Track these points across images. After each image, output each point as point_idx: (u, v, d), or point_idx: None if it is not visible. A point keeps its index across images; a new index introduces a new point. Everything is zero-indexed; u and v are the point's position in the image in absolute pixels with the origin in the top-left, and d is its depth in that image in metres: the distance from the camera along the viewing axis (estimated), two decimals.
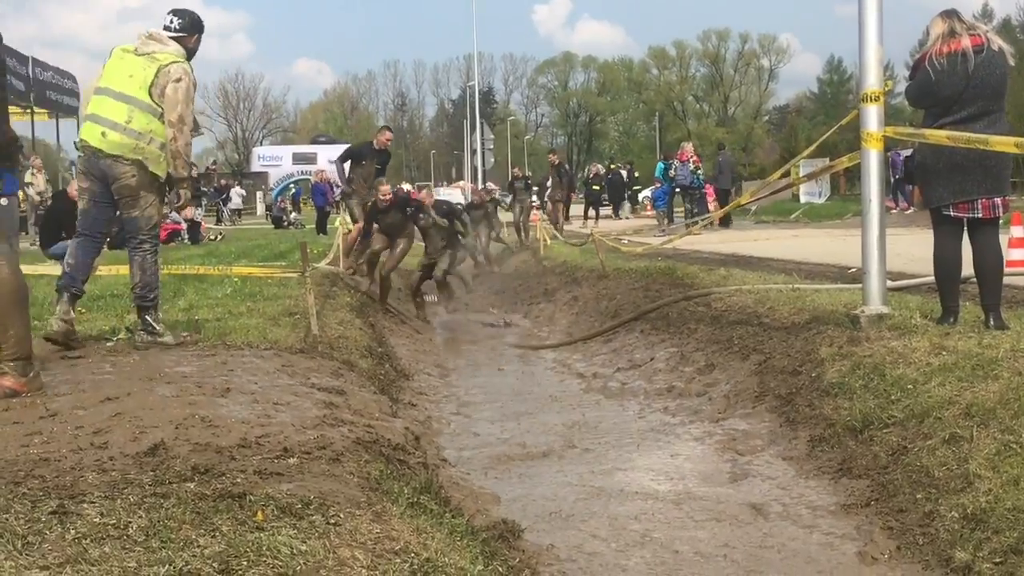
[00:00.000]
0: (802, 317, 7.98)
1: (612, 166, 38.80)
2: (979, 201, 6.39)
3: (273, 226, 34.68)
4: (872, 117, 6.87)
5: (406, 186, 27.51)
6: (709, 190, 27.89)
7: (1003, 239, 6.96)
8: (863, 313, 6.92)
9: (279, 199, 44.80)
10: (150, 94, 6.92)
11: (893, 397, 5.59)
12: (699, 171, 25.49)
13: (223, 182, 44.13)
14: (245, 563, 2.97)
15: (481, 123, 42.36)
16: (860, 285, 7.31)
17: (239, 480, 3.77)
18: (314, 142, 69.94)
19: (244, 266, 12.44)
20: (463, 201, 26.42)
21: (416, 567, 3.23)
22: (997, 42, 6.44)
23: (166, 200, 7.40)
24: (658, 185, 29.22)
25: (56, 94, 31.92)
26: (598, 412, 7.96)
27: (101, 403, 5.18)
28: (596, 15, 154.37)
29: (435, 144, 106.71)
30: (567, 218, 28.55)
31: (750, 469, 5.91)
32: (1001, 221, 6.67)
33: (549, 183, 26.76)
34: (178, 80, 6.92)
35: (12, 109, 22.56)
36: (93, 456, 4.12)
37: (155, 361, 6.56)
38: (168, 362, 6.52)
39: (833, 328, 7.16)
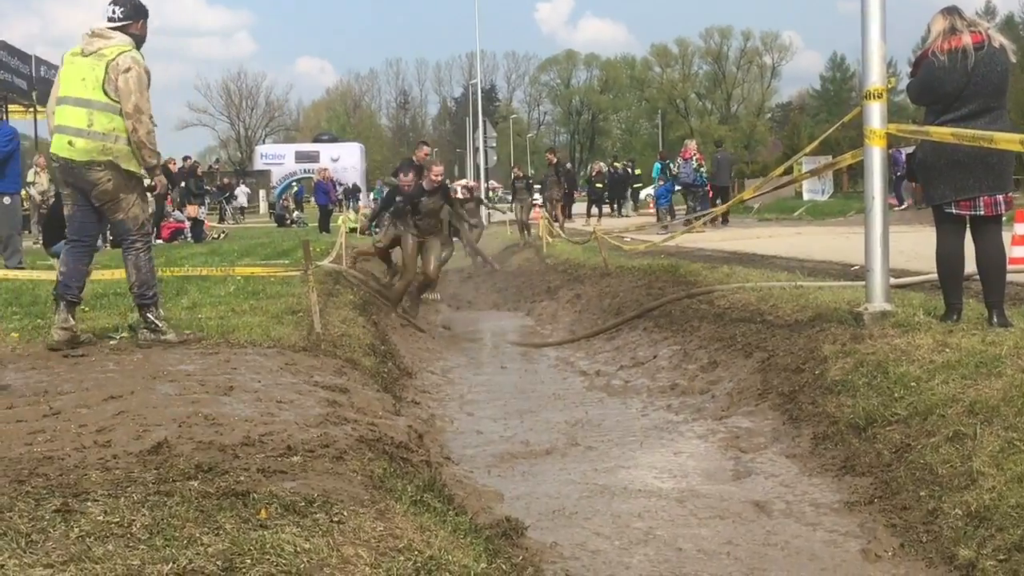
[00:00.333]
0: (805, 315, 7.97)
1: (615, 164, 38.81)
2: (981, 198, 6.38)
3: (276, 224, 34.68)
4: (875, 114, 6.86)
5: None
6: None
7: (1007, 236, 6.95)
8: (866, 310, 6.92)
9: (282, 197, 44.83)
10: (105, 92, 6.84)
11: (896, 394, 5.59)
12: (702, 168, 25.48)
13: (226, 180, 44.11)
14: (249, 561, 2.97)
15: (484, 121, 42.26)
16: (863, 282, 7.31)
17: (242, 478, 3.78)
18: (316, 140, 69.96)
19: (247, 265, 12.46)
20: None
21: (419, 565, 3.23)
22: (998, 39, 6.43)
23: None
24: (661, 183, 29.23)
25: None
26: (601, 410, 7.96)
27: (104, 401, 5.19)
28: (598, 13, 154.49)
29: (438, 142, 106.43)
30: (568, 216, 28.55)
31: (753, 467, 5.90)
32: (1004, 219, 6.66)
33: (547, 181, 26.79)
34: (127, 70, 6.82)
35: (15, 108, 22.58)
36: (97, 454, 4.12)
37: (158, 359, 6.57)
38: (171, 360, 6.53)
39: (836, 326, 7.15)
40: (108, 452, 4.16)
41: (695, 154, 25.58)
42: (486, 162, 40.99)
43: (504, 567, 3.78)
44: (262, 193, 55.75)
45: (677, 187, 26.93)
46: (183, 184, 26.89)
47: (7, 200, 12.81)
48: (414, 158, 14.80)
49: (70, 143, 6.86)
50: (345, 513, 3.51)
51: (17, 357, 6.79)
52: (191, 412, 4.92)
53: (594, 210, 31.86)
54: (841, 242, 15.96)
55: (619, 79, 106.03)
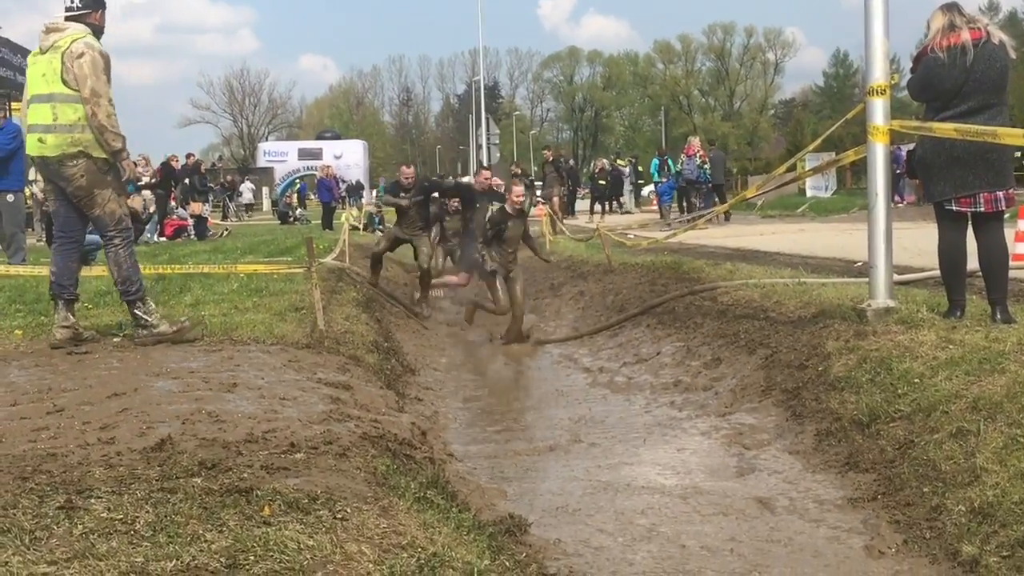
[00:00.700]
0: (808, 311, 7.97)
1: (618, 161, 38.78)
2: (981, 195, 6.37)
3: (279, 222, 34.69)
4: (878, 111, 6.86)
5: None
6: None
7: (1010, 233, 6.94)
8: (870, 307, 6.91)
9: (285, 194, 44.84)
10: (65, 83, 6.78)
11: (900, 391, 5.59)
12: (706, 165, 25.46)
13: (229, 178, 44.10)
14: (252, 558, 2.97)
15: (487, 118, 42.31)
16: (866, 279, 7.30)
17: (246, 475, 3.78)
18: (319, 137, 69.92)
19: (250, 262, 12.46)
20: None
21: (423, 561, 3.23)
22: (998, 35, 6.42)
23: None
24: (664, 180, 29.25)
25: None
26: (604, 407, 7.96)
27: (108, 398, 5.20)
28: (601, 9, 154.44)
29: (441, 139, 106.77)
30: (568, 213, 28.50)
31: (757, 463, 5.90)
32: (1007, 215, 6.65)
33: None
34: (80, 55, 6.75)
35: (16, 105, 22.58)
36: (100, 451, 4.13)
37: (161, 356, 6.58)
38: (174, 357, 6.54)
39: (839, 322, 7.15)
40: (112, 449, 4.17)
41: (699, 151, 25.55)
42: (489, 159, 40.97)
43: (507, 564, 3.78)
44: (265, 190, 55.74)
45: (681, 183, 26.90)
46: (187, 181, 26.88)
47: (10, 197, 12.80)
48: (475, 184, 14.57)
49: (40, 140, 6.84)
50: (348, 510, 3.51)
51: (21, 354, 6.80)
52: (194, 409, 4.92)
53: (597, 207, 31.82)
54: (844, 239, 15.95)
55: (622, 76, 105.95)
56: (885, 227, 6.87)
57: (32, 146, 6.92)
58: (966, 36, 6.27)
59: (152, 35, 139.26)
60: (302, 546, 3.10)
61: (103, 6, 7.19)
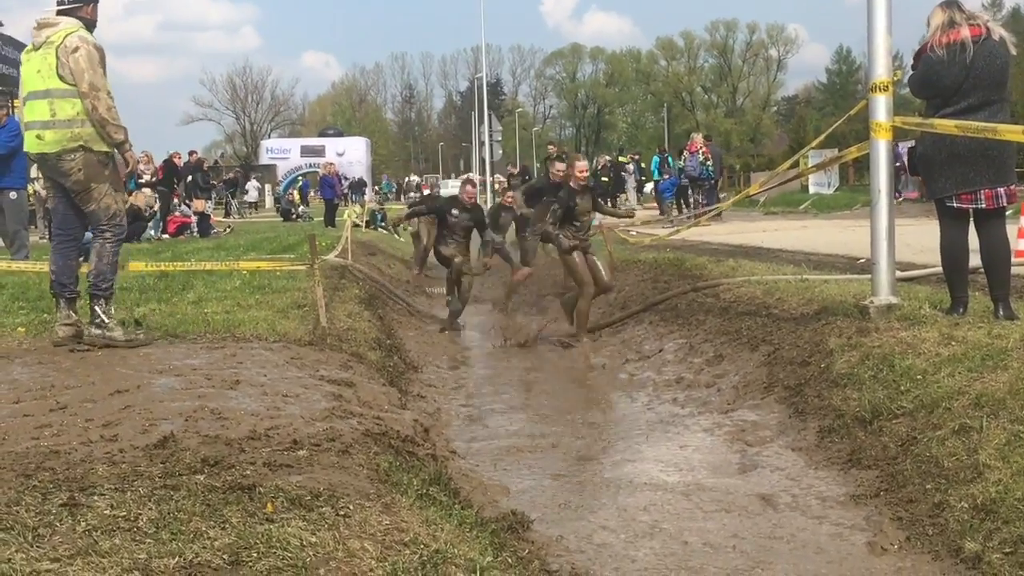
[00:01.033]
0: (811, 308, 7.96)
1: (620, 159, 38.74)
2: (982, 191, 6.37)
3: (282, 219, 34.70)
4: (881, 107, 6.85)
5: (414, 178, 27.50)
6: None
7: (1012, 229, 6.93)
8: (872, 304, 6.91)
9: (288, 192, 44.86)
10: (61, 78, 6.74)
11: (902, 387, 5.58)
12: (708, 162, 25.42)
13: (231, 175, 44.14)
14: (255, 555, 2.98)
15: (489, 115, 42.27)
16: (869, 276, 7.30)
17: (249, 472, 3.78)
18: (322, 135, 70.00)
19: (253, 259, 12.46)
20: None
21: (425, 558, 3.23)
22: (998, 31, 6.41)
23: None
24: (667, 177, 29.24)
25: None
26: (607, 403, 7.97)
27: (111, 396, 5.20)
28: (603, 6, 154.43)
29: (443, 136, 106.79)
30: None
31: (759, 460, 5.90)
32: (1009, 212, 6.65)
33: None
34: (75, 50, 6.70)
35: (18, 102, 22.60)
36: (103, 448, 4.13)
37: (164, 354, 6.59)
38: (177, 355, 6.55)
39: (842, 319, 7.14)
40: (114, 446, 4.17)
41: (701, 147, 25.51)
42: (491, 156, 41.00)
43: (510, 560, 3.79)
44: (267, 188, 55.78)
45: (683, 181, 26.87)
46: (189, 179, 26.88)
47: (13, 195, 12.82)
48: (549, 175, 14.34)
49: (38, 137, 6.81)
50: (351, 507, 3.51)
51: (24, 352, 6.80)
52: (197, 406, 4.93)
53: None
54: (847, 235, 15.93)
55: (625, 73, 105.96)
56: (887, 224, 6.86)
57: (31, 143, 6.90)
58: (965, 33, 6.26)
59: (154, 33, 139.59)
60: (305, 543, 3.10)
61: (95, 0, 7.13)
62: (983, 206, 6.39)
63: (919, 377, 5.58)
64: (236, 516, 3.26)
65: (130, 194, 20.31)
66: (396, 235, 27.01)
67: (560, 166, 12.32)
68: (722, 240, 17.08)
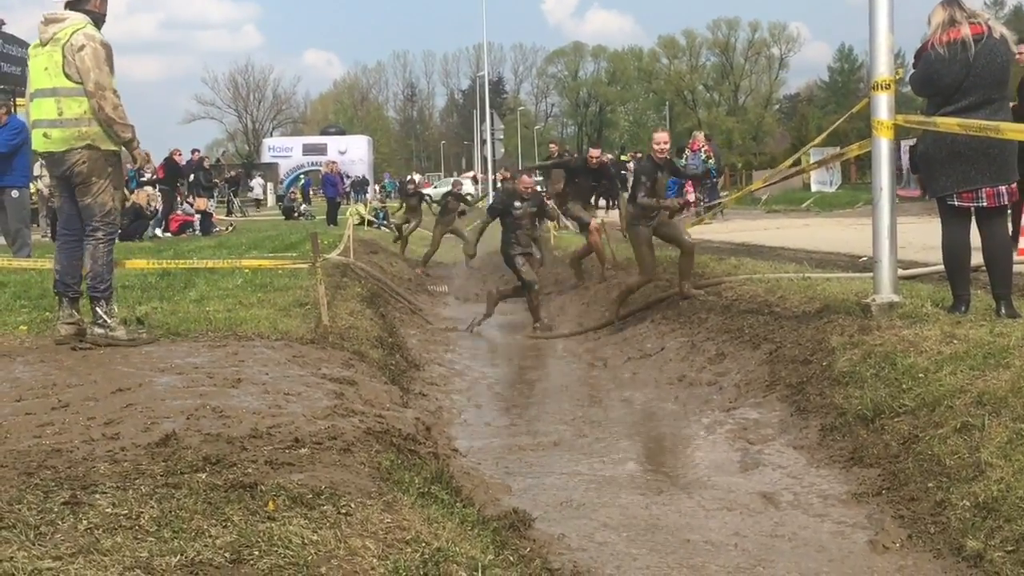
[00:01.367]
0: (813, 306, 7.96)
1: (622, 158, 38.69)
2: (983, 190, 6.37)
3: (284, 217, 34.71)
4: (883, 105, 6.85)
5: (416, 176, 27.52)
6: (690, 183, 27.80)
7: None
8: (874, 302, 6.91)
9: (290, 190, 44.84)
10: (68, 76, 6.70)
11: (904, 386, 5.58)
12: (710, 160, 25.40)
13: (233, 173, 44.08)
14: (256, 553, 2.98)
15: (491, 113, 42.14)
16: (871, 274, 7.30)
17: (250, 470, 3.78)
18: (324, 133, 70.03)
19: (255, 258, 12.47)
20: (473, 192, 26.30)
21: (427, 557, 3.23)
22: (999, 29, 6.40)
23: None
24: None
25: None
26: (608, 402, 7.96)
27: (112, 394, 5.21)
28: (605, 4, 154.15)
29: (445, 134, 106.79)
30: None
31: (761, 458, 5.90)
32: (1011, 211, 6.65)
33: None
34: (81, 48, 6.65)
35: (21, 101, 22.57)
36: (105, 447, 4.13)
37: (166, 352, 6.59)
38: (179, 353, 6.55)
39: (844, 317, 7.14)
40: (116, 444, 4.17)
41: (703, 146, 25.50)
42: (493, 154, 40.94)
43: (511, 559, 3.79)
44: (269, 186, 55.77)
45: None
46: (192, 177, 26.90)
47: (15, 193, 12.82)
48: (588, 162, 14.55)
49: (45, 135, 6.78)
50: (352, 505, 3.51)
51: (26, 350, 6.80)
52: (199, 404, 4.93)
53: (601, 202, 31.74)
54: (849, 233, 15.93)
55: (626, 71, 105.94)
56: (889, 222, 6.86)
57: (38, 142, 6.88)
58: (966, 31, 6.26)
59: (156, 31, 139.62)
60: (306, 541, 3.10)
61: None
62: (984, 204, 6.39)
63: (921, 375, 5.57)
64: (238, 514, 3.26)
65: (132, 192, 20.33)
66: (397, 233, 27.02)
67: (660, 136, 11.29)
68: (724, 238, 17.09)
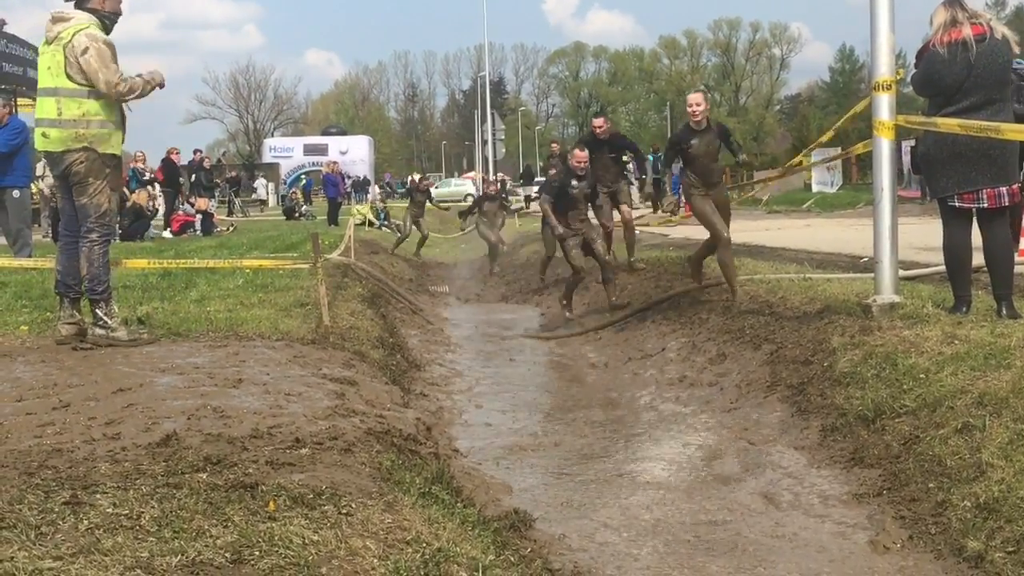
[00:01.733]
0: (814, 306, 7.96)
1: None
2: (984, 191, 6.36)
3: (285, 217, 34.71)
4: (884, 106, 6.85)
5: (417, 176, 27.55)
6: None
7: None
8: (875, 302, 6.91)
9: (291, 190, 44.85)
10: (69, 77, 6.68)
11: (905, 386, 5.58)
12: None
13: (234, 174, 44.09)
14: (257, 553, 2.98)
15: (492, 114, 42.22)
16: (872, 274, 7.29)
17: (251, 470, 3.78)
18: (325, 133, 70.01)
19: (256, 258, 12.46)
20: (474, 191, 26.27)
21: (428, 557, 3.23)
22: (1000, 30, 6.40)
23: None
24: (674, 174, 29.24)
25: None
26: (609, 402, 7.96)
27: (113, 394, 5.21)
28: (606, 5, 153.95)
29: (446, 135, 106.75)
30: None
31: (762, 459, 5.90)
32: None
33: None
34: (85, 51, 6.63)
35: (22, 100, 22.56)
36: (106, 447, 4.13)
37: (167, 352, 6.59)
38: (180, 353, 6.55)
39: (845, 317, 7.14)
40: (117, 444, 4.18)
41: None
42: (494, 155, 40.97)
43: (512, 559, 3.79)
44: (271, 187, 55.76)
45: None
46: (193, 177, 26.89)
47: (16, 193, 12.81)
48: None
49: (44, 135, 6.78)
50: (353, 505, 3.51)
51: (27, 350, 6.81)
52: (200, 405, 4.93)
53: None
54: (850, 234, 15.92)
55: (628, 71, 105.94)
56: (891, 222, 6.86)
57: (38, 141, 6.89)
58: (967, 32, 6.26)
59: (157, 31, 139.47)
60: (307, 541, 3.10)
61: None
62: (985, 205, 6.39)
63: (922, 376, 5.57)
64: (238, 514, 3.26)
65: (132, 193, 20.34)
66: (399, 233, 27.04)
67: (694, 97, 10.40)
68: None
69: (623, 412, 7.59)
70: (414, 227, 21.78)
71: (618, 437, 6.77)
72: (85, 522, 3.12)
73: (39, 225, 20.74)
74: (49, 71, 6.77)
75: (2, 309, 8.37)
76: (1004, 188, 6.38)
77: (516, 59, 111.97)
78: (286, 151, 64.81)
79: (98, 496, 3.38)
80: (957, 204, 6.44)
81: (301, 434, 4.45)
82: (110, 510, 3.23)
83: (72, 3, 6.89)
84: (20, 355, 6.60)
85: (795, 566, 4.35)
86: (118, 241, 14.71)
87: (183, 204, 23.92)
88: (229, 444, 4.19)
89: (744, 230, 19.35)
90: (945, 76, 6.31)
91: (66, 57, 6.67)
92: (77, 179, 6.80)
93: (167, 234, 21.67)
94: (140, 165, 23.07)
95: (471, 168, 72.17)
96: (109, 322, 6.96)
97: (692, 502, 5.24)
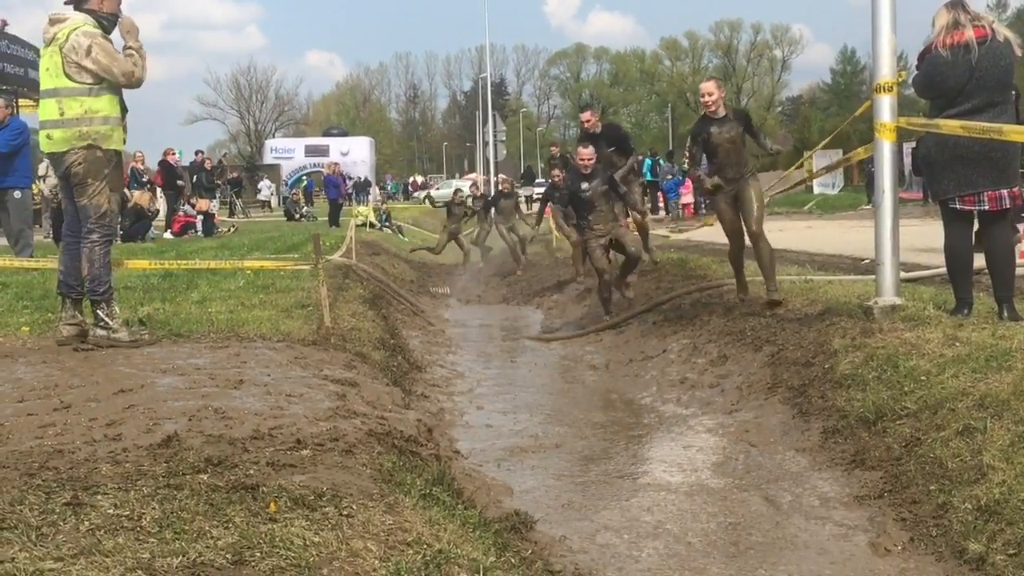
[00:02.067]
0: (815, 308, 7.96)
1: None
2: (985, 193, 6.37)
3: (286, 219, 34.73)
4: (885, 108, 6.85)
5: (419, 178, 27.55)
6: (688, 184, 27.88)
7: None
8: (876, 304, 6.91)
9: (292, 191, 44.88)
10: (68, 76, 6.69)
11: (906, 388, 5.58)
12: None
13: (235, 174, 44.12)
14: (258, 554, 2.98)
15: (493, 115, 42.17)
16: (873, 276, 7.29)
17: (252, 472, 3.78)
18: (326, 134, 70.04)
19: (257, 259, 12.47)
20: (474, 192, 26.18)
21: (428, 558, 3.23)
22: (1003, 33, 6.40)
23: None
24: (670, 177, 29.31)
25: None
26: (610, 404, 7.96)
27: (114, 395, 5.21)
28: (607, 6, 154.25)
29: (447, 136, 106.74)
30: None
31: (763, 461, 5.90)
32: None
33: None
34: (89, 50, 6.64)
35: (24, 101, 22.57)
36: (107, 448, 4.13)
37: (168, 353, 6.59)
38: (181, 354, 6.55)
39: (846, 319, 7.14)
40: (118, 445, 4.17)
41: None
42: (495, 156, 40.95)
43: (513, 561, 3.79)
44: (273, 187, 55.77)
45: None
46: (194, 179, 26.90)
47: (18, 194, 12.82)
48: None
49: (48, 136, 6.79)
50: (354, 507, 3.51)
51: (28, 351, 6.81)
52: (201, 406, 4.93)
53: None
54: (851, 236, 15.93)
55: (629, 73, 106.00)
56: (892, 224, 6.86)
57: (42, 143, 6.90)
58: (970, 34, 6.26)
59: (159, 32, 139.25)
60: (308, 543, 3.10)
61: None
62: (986, 208, 6.39)
63: (923, 378, 5.57)
64: (239, 516, 3.26)
65: (134, 193, 20.35)
66: (400, 235, 27.08)
67: (707, 86, 9.50)
68: (727, 241, 17.04)
69: (624, 414, 7.59)
70: (453, 242, 21.25)
71: (619, 439, 6.77)
72: (86, 523, 3.12)
73: (40, 226, 20.75)
74: (48, 73, 6.78)
75: (3, 310, 8.37)
76: (1005, 190, 6.38)
77: (517, 60, 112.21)
78: (287, 152, 64.85)
79: (99, 497, 3.37)
80: (958, 206, 6.44)
81: (302, 435, 4.44)
82: (111, 511, 3.23)
83: (70, 5, 6.89)
84: (21, 356, 6.60)
85: (796, 568, 4.35)
86: (119, 242, 14.69)
87: (184, 205, 23.92)
88: (230, 445, 4.19)
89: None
90: (947, 79, 6.31)
91: (64, 57, 6.67)
92: (77, 180, 6.81)
93: (168, 235, 21.67)
94: (139, 166, 23.07)
95: (472, 169, 72.12)
96: (110, 323, 6.96)
97: (693, 504, 5.23)
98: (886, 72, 6.85)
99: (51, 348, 6.86)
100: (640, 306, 11.06)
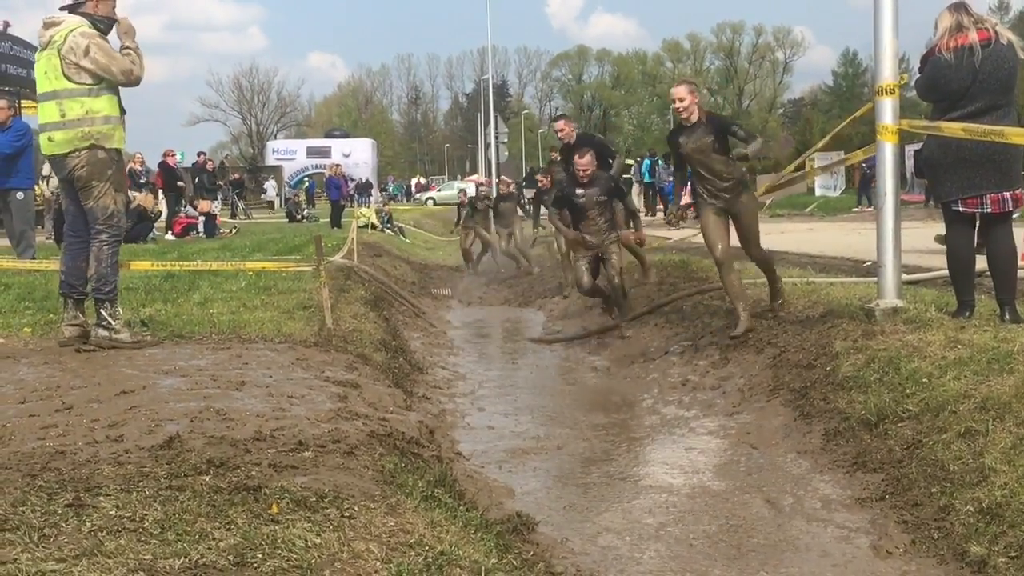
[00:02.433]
0: (816, 311, 7.96)
1: (627, 161, 38.63)
2: (987, 196, 6.36)
3: (287, 220, 34.73)
4: (887, 110, 6.85)
5: (422, 180, 27.59)
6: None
7: (1019, 233, 6.91)
8: (878, 306, 6.90)
9: (294, 192, 44.91)
10: (68, 78, 6.70)
11: (908, 391, 5.57)
12: None
13: (236, 176, 44.14)
14: (260, 556, 2.98)
15: (495, 117, 42.22)
16: (875, 279, 7.29)
17: (254, 473, 3.79)
18: (328, 136, 70.04)
19: (258, 260, 12.47)
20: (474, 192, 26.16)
21: (430, 560, 3.23)
22: (1006, 35, 6.40)
23: None
24: (669, 180, 29.28)
25: None
26: (612, 406, 7.96)
27: (116, 396, 5.21)
28: (609, 8, 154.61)
29: (449, 138, 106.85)
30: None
31: (764, 463, 5.90)
32: (1016, 215, 6.64)
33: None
34: (87, 51, 6.65)
35: (26, 103, 22.56)
36: (109, 449, 4.14)
37: (169, 354, 6.59)
38: (182, 355, 6.55)
39: (848, 322, 7.14)
40: (120, 447, 4.18)
41: None
42: (497, 158, 40.95)
43: (515, 563, 3.79)
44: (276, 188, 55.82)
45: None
46: (196, 180, 26.90)
47: (20, 195, 12.82)
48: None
49: (50, 139, 6.80)
50: (356, 508, 3.51)
51: (30, 352, 6.81)
52: (202, 407, 4.93)
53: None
54: (853, 238, 15.93)
55: (631, 74, 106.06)
56: (894, 226, 6.86)
57: (44, 145, 6.90)
58: (973, 37, 6.25)
59: (160, 33, 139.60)
60: (310, 544, 3.10)
61: None
62: (988, 210, 6.38)
63: (925, 380, 5.57)
64: (241, 517, 3.27)
65: (138, 194, 20.36)
66: (402, 236, 27.09)
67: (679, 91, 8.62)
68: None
69: (625, 416, 7.59)
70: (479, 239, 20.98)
71: (620, 441, 6.77)
72: (88, 524, 3.12)
73: (42, 227, 20.76)
74: (46, 75, 6.79)
75: (6, 311, 8.38)
76: (1008, 193, 6.38)
77: (519, 62, 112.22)
78: (289, 153, 64.84)
79: (101, 498, 3.38)
80: (961, 209, 6.44)
81: (304, 437, 4.45)
82: (113, 512, 3.24)
83: (66, 9, 6.90)
84: (23, 357, 6.61)
85: (797, 570, 4.35)
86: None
87: (185, 207, 23.93)
88: (232, 446, 4.20)
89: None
90: (950, 81, 6.30)
91: (62, 59, 6.68)
92: (81, 183, 6.82)
93: (169, 236, 21.67)
94: (138, 167, 23.08)
95: (474, 171, 72.16)
96: (112, 323, 6.96)
97: (694, 506, 5.23)
98: (888, 74, 6.85)
99: (53, 349, 6.87)
100: (642, 308, 11.06)
